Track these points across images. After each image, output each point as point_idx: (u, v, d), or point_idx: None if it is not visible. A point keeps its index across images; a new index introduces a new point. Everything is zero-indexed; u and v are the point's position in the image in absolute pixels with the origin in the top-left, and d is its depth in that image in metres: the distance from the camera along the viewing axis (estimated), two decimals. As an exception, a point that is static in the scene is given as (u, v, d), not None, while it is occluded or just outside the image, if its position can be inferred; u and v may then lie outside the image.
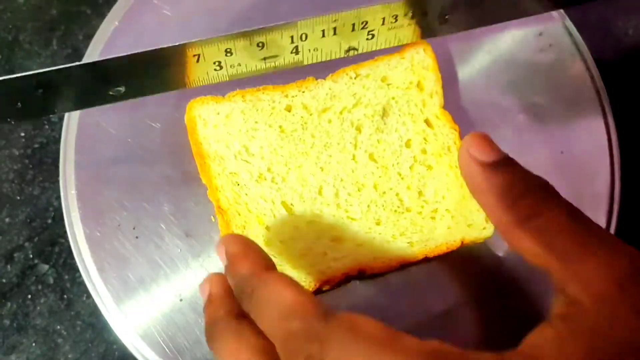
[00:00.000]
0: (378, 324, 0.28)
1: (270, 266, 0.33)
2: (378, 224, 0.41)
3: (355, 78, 0.43)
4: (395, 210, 0.41)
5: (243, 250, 0.34)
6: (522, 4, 0.43)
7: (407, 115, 0.43)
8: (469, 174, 0.34)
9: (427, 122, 0.43)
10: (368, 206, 0.41)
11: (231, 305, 0.33)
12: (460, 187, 0.41)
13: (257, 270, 0.33)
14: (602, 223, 0.43)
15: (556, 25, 0.48)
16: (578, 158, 0.44)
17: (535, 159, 0.42)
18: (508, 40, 0.47)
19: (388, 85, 0.43)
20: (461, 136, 0.43)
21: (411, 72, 0.44)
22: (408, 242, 0.41)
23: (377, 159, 0.42)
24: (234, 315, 0.33)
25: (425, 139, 0.43)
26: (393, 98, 0.43)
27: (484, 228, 0.41)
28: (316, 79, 0.43)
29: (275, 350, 0.30)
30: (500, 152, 0.33)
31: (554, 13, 0.47)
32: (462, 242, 0.41)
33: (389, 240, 0.41)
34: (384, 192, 0.42)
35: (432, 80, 0.44)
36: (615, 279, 0.28)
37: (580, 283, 0.29)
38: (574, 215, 0.31)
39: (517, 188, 0.32)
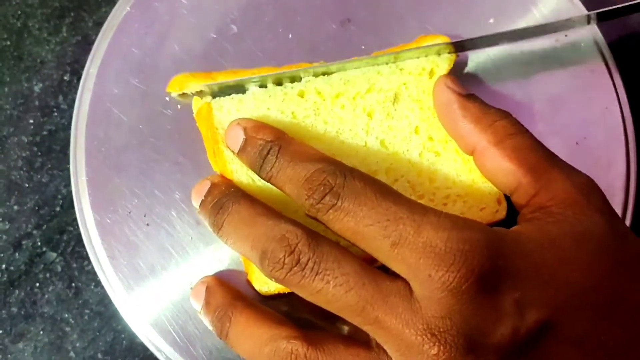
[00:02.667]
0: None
1: None
2: None
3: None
4: (408, 197, 0.41)
5: (257, 122, 0.38)
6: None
7: (415, 102, 0.43)
8: (445, 103, 0.39)
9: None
10: None
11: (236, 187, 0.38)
12: (470, 172, 0.41)
13: (278, 135, 0.36)
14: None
15: (572, 15, 0.47)
16: (593, 149, 0.44)
17: (550, 149, 0.42)
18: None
19: (401, 70, 0.43)
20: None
21: (424, 59, 0.43)
22: None
23: (388, 145, 0.42)
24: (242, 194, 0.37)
25: (431, 126, 0.42)
26: (404, 84, 0.43)
27: (497, 211, 0.41)
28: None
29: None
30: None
31: (570, 3, 0.47)
32: None
33: None
34: (396, 179, 0.41)
35: (444, 69, 0.43)
36: (578, 188, 0.34)
37: (548, 192, 0.34)
38: (537, 139, 0.37)
39: (491, 114, 0.37)
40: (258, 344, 0.34)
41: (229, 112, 0.41)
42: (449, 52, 0.43)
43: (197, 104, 0.42)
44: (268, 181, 0.35)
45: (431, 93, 0.43)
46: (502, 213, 0.41)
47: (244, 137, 0.37)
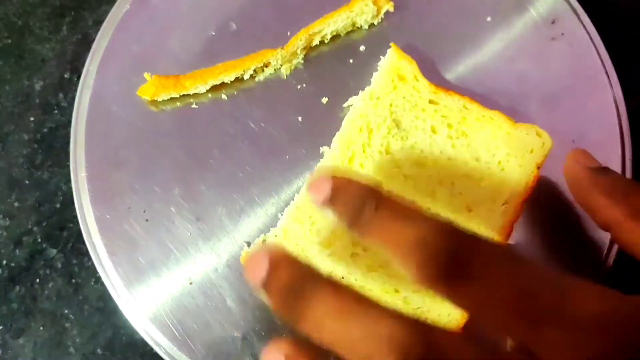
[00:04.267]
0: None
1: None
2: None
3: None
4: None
5: (345, 180, 0.30)
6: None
7: (412, 109, 0.43)
8: (575, 178, 0.37)
9: (431, 102, 0.43)
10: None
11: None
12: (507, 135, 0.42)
13: (372, 190, 0.30)
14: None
15: (568, 14, 0.47)
16: (589, 147, 0.44)
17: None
18: (520, 28, 0.47)
19: (377, 99, 0.43)
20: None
21: (387, 74, 0.44)
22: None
23: (423, 162, 0.42)
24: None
25: (442, 115, 0.42)
26: (391, 105, 0.43)
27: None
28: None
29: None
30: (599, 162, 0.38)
31: (567, 2, 0.47)
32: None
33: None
34: (452, 183, 0.42)
35: (407, 67, 0.44)
36: None
37: None
38: None
39: (623, 186, 0.36)
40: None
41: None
42: None
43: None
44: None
45: (418, 90, 0.43)
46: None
47: (331, 187, 0.30)
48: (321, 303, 0.27)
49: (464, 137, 0.42)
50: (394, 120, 0.43)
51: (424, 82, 0.43)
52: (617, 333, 0.27)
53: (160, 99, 0.44)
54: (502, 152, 0.42)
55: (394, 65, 0.44)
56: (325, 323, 0.27)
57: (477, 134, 0.42)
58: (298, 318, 0.27)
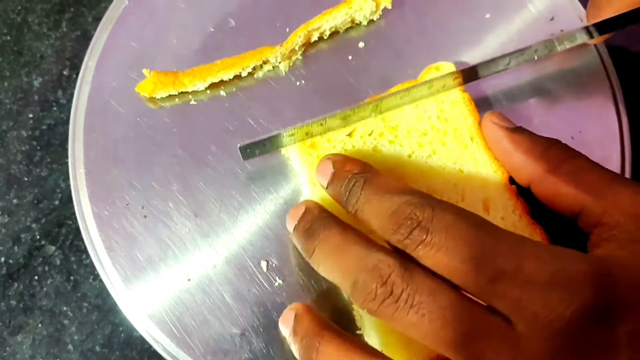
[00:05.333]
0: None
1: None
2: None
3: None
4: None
5: (345, 157, 0.37)
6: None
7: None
8: (495, 139, 0.39)
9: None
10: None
11: (328, 213, 0.36)
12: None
13: (365, 168, 0.35)
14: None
15: (568, 11, 0.47)
16: (589, 144, 0.44)
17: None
18: (519, 25, 0.47)
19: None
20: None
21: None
22: None
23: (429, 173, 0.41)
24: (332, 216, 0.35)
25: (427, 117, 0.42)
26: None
27: None
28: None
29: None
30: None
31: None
32: None
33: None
34: (456, 184, 0.41)
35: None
36: None
37: (617, 209, 0.33)
38: (591, 160, 0.36)
39: (540, 143, 0.37)
40: None
41: None
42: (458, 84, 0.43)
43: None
44: (354, 215, 0.34)
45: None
46: None
47: (332, 170, 0.36)
48: (325, 241, 0.33)
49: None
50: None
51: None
52: (573, 289, 0.28)
53: (158, 96, 0.44)
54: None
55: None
56: (327, 256, 0.33)
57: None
58: (309, 254, 0.34)
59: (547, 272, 0.28)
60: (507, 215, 0.39)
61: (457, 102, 0.42)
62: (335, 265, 0.33)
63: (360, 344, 0.33)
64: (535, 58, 0.42)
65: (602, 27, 0.42)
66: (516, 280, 0.28)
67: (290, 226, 0.37)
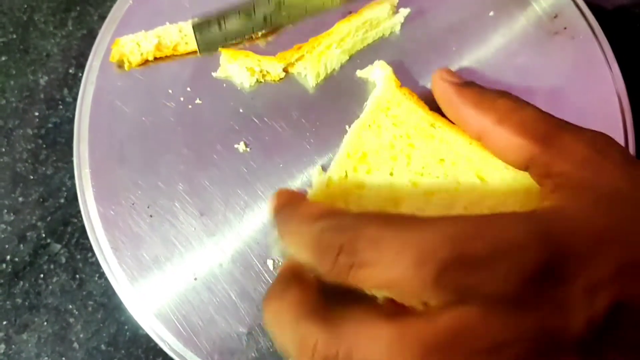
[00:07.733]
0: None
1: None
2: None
3: None
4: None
5: (279, 192, 0.35)
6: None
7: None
8: (444, 94, 0.39)
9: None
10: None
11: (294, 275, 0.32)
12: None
13: (291, 198, 0.34)
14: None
15: (571, 8, 0.47)
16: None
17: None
18: (523, 23, 0.47)
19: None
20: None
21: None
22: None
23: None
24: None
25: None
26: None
27: None
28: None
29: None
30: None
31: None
32: None
33: None
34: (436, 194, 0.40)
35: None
36: (590, 146, 0.33)
37: (563, 156, 0.32)
38: (541, 110, 0.35)
39: (489, 95, 0.37)
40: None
41: None
42: None
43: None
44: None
45: None
46: None
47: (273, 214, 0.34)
48: (275, 307, 0.30)
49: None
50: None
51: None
52: (516, 256, 0.27)
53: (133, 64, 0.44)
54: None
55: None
56: (272, 327, 0.30)
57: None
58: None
59: (489, 247, 0.26)
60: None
61: (401, 101, 0.42)
62: (276, 339, 0.30)
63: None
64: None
65: None
66: (461, 267, 0.26)
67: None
